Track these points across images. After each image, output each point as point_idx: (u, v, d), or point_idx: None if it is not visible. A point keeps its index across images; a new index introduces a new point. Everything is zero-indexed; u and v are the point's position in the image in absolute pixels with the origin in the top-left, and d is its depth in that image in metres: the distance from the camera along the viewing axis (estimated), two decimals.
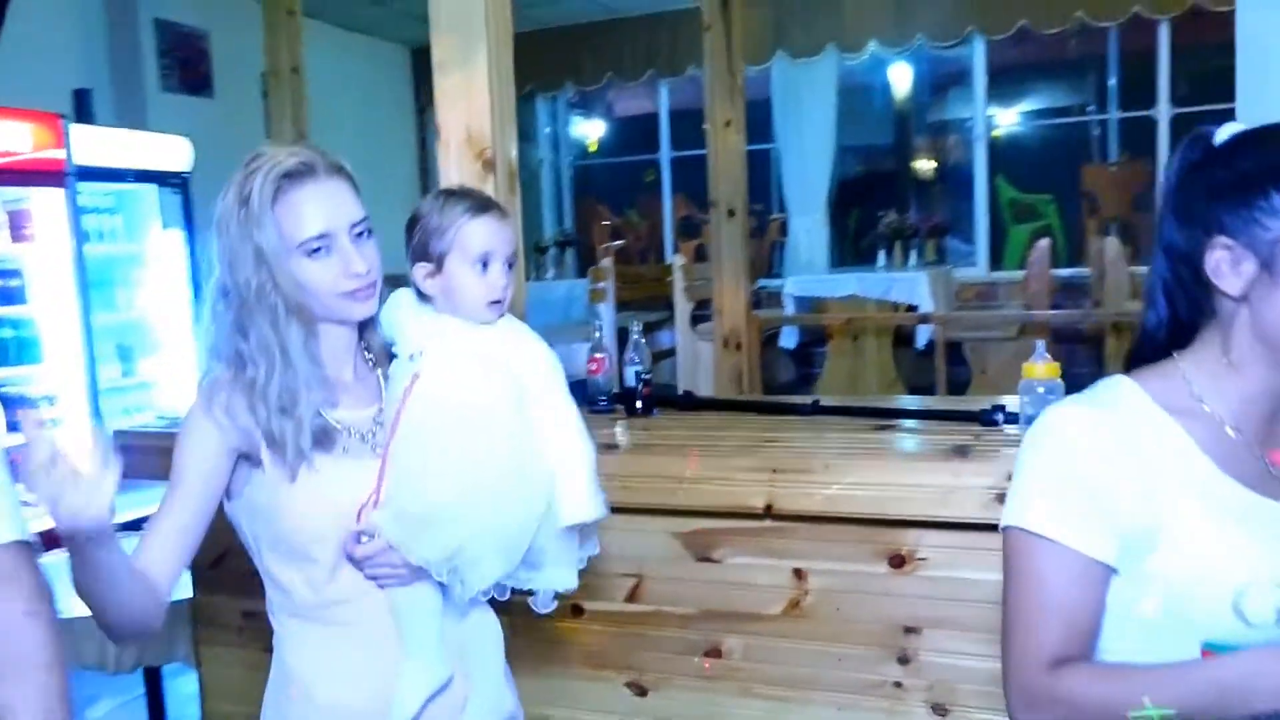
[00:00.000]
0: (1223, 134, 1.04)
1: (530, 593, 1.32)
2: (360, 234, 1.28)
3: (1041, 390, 1.75)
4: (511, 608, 1.36)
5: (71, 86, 4.85)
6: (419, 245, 1.33)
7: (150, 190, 4.86)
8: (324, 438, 1.27)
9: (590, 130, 8.90)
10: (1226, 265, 0.99)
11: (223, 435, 1.25)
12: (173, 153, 4.91)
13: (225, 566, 2.33)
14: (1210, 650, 0.97)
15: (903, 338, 5.83)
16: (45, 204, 4.26)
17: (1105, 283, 5.59)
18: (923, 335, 5.69)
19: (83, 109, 4.73)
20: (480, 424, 1.26)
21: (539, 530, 1.27)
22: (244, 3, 5.98)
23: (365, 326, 1.35)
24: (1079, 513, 1.01)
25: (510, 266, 1.34)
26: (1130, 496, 0.99)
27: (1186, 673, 0.96)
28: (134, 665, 2.36)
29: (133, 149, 4.75)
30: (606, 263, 5.54)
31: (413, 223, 1.35)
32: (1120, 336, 4.83)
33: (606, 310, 5.33)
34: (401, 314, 1.34)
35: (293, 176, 1.24)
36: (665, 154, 7.78)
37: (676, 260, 5.62)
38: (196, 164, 4.94)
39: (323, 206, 1.25)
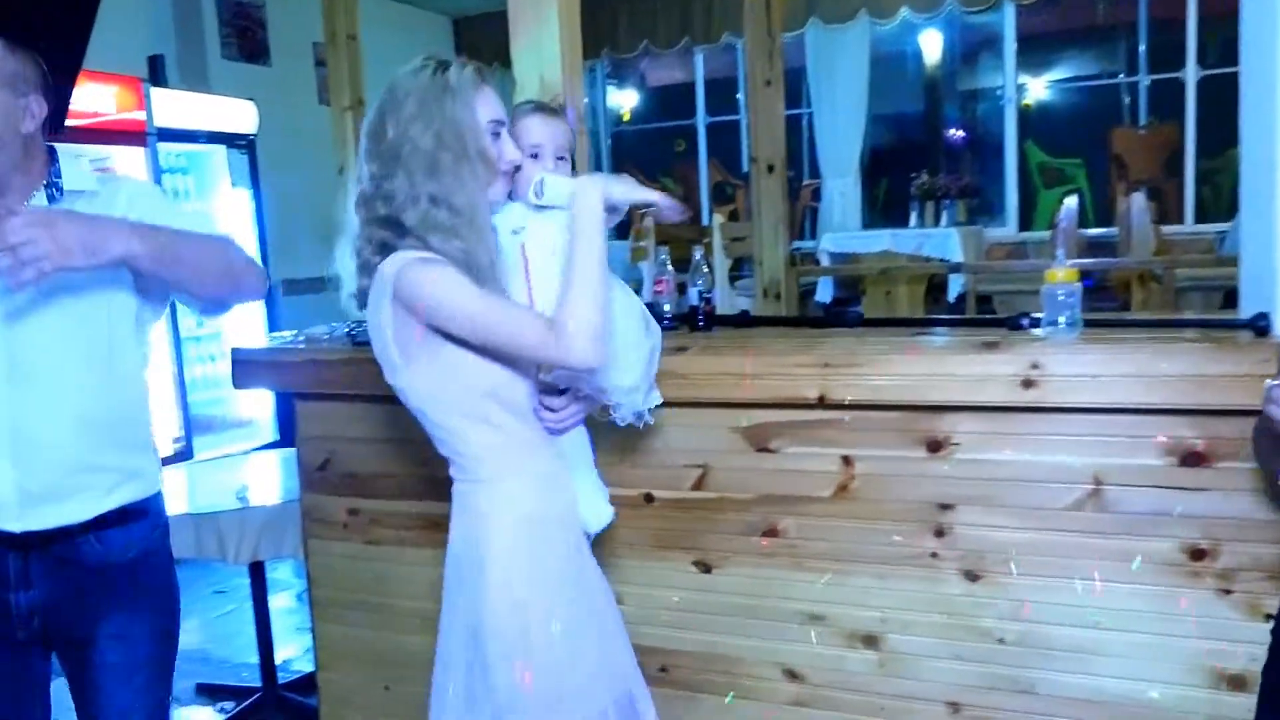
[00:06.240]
0: None
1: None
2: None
3: (1061, 295, 1.95)
4: None
5: (145, 53, 5.10)
6: None
7: (219, 151, 5.14)
8: None
9: (624, 100, 9.08)
10: None
11: None
12: (240, 115, 5.19)
13: (331, 469, 2.60)
14: None
15: (934, 291, 6.01)
16: (127, 163, 4.51)
17: (1132, 238, 5.74)
18: (954, 288, 5.87)
19: (156, 73, 4.99)
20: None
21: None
22: None
23: None
24: None
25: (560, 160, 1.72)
26: None
27: None
28: (250, 557, 2.63)
29: (203, 111, 5.02)
30: (648, 223, 5.76)
31: None
32: (1145, 287, 4.97)
33: (648, 268, 5.55)
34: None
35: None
36: (701, 120, 7.97)
37: (715, 219, 5.84)
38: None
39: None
